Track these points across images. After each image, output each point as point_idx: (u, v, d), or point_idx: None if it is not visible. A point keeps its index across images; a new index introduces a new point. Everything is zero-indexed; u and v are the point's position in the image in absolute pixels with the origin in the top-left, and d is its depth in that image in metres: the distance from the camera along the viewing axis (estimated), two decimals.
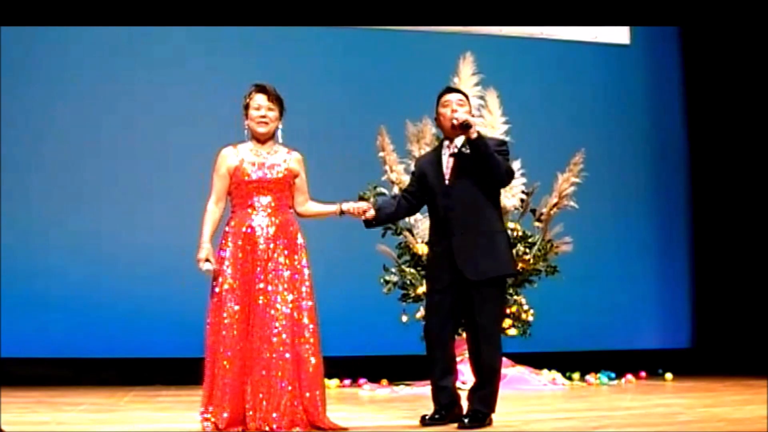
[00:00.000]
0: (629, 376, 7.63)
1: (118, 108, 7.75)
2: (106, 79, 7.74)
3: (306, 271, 4.25)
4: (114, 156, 7.71)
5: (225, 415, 4.08)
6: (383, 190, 6.98)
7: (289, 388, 4.10)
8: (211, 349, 4.17)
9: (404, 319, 6.97)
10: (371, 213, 4.48)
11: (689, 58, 9.13)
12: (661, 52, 9.18)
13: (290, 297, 4.17)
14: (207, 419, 4.12)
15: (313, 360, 4.22)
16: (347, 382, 7.33)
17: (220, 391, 4.11)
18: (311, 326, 4.25)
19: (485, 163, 4.33)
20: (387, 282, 7.09)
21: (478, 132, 4.34)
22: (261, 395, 4.07)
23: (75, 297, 7.37)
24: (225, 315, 4.13)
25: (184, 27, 7.60)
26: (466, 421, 4.34)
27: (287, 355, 4.12)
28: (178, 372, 7.44)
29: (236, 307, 4.13)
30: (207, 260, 4.16)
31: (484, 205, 4.40)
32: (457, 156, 4.41)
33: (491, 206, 4.44)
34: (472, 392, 4.43)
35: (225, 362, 4.10)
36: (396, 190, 7.05)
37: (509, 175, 4.47)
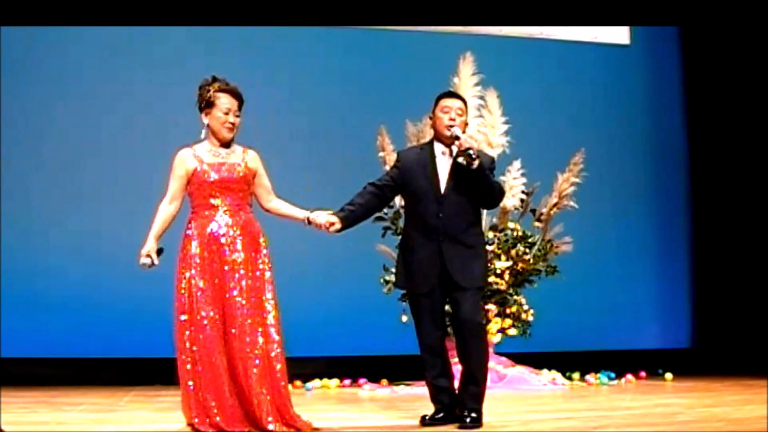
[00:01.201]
0: (629, 376, 7.63)
1: (118, 108, 7.75)
2: (106, 79, 7.74)
3: (267, 273, 4.23)
4: (114, 156, 7.71)
5: (218, 419, 4.07)
6: None
7: (264, 391, 4.09)
8: (189, 350, 4.18)
9: (404, 319, 6.95)
10: (336, 226, 4.41)
11: (689, 58, 9.12)
12: (661, 52, 9.17)
13: (253, 300, 4.15)
14: (197, 425, 4.10)
15: (278, 365, 4.17)
16: (347, 382, 7.33)
17: (210, 393, 4.08)
18: (273, 330, 4.20)
19: (482, 189, 4.41)
20: (387, 282, 7.09)
21: (480, 162, 4.32)
22: (255, 400, 4.07)
23: (75, 297, 7.36)
24: (201, 317, 4.13)
25: (184, 27, 7.59)
26: (467, 421, 4.34)
27: (257, 361, 4.11)
28: (178, 372, 7.44)
29: (212, 313, 4.12)
30: (148, 255, 4.25)
31: (473, 219, 4.49)
32: (454, 166, 4.41)
33: (478, 220, 4.55)
34: (463, 390, 4.44)
35: (213, 360, 4.10)
36: None
37: (502, 197, 4.61)
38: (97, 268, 7.47)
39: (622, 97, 8.94)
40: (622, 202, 8.74)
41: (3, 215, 7.34)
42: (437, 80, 6.96)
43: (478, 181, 4.36)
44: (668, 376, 7.79)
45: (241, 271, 4.16)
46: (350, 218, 4.49)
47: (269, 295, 4.21)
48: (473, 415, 4.36)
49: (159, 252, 4.26)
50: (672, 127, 9.14)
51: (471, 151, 4.27)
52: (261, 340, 4.13)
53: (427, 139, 4.87)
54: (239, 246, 4.18)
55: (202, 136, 4.31)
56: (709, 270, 8.81)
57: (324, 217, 4.37)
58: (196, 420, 4.10)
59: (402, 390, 6.77)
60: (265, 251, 4.25)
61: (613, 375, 7.59)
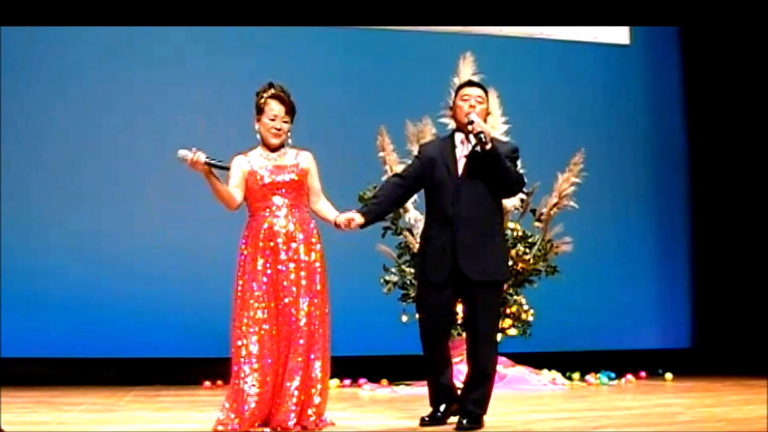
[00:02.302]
0: (629, 376, 7.63)
1: (118, 108, 7.75)
2: (106, 79, 7.74)
3: (318, 270, 4.27)
4: (114, 156, 7.71)
5: (247, 414, 4.09)
6: None
7: (296, 392, 4.12)
8: (239, 353, 4.16)
9: (404, 319, 6.97)
10: (359, 220, 4.41)
11: (689, 58, 9.12)
12: (661, 52, 9.17)
13: (306, 300, 4.19)
14: (227, 422, 4.10)
15: (318, 364, 4.20)
16: (347, 382, 7.34)
17: (248, 394, 4.10)
18: (320, 330, 4.23)
19: (497, 174, 4.33)
20: (387, 282, 7.09)
21: (493, 143, 4.29)
22: (293, 397, 4.11)
23: (75, 297, 7.37)
24: (251, 321, 4.14)
25: (184, 27, 7.59)
26: (464, 422, 4.33)
27: (300, 359, 4.14)
28: (178, 372, 7.45)
29: (263, 315, 4.15)
30: (193, 152, 4.10)
31: (491, 207, 4.40)
32: (471, 153, 4.39)
33: (497, 209, 4.44)
34: (467, 392, 4.41)
35: (256, 365, 4.11)
36: None
37: (519, 186, 4.50)
38: (97, 268, 7.48)
39: (622, 97, 8.94)
40: (622, 202, 8.74)
41: (3, 215, 7.34)
42: (437, 80, 6.97)
43: (491, 165, 4.30)
44: (668, 376, 7.80)
45: (297, 269, 4.20)
46: (372, 212, 4.50)
47: (318, 297, 4.24)
48: (472, 416, 4.34)
49: (211, 164, 4.11)
50: (672, 127, 9.14)
51: (483, 135, 4.24)
52: (317, 336, 4.18)
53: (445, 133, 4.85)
54: (295, 244, 4.22)
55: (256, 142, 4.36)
56: (709, 270, 8.81)
57: (342, 217, 4.39)
58: (234, 418, 4.09)
59: (402, 390, 6.77)
60: (318, 247, 4.30)
61: (613, 375, 7.59)
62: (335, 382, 7.24)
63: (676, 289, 8.97)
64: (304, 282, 4.21)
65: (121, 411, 5.31)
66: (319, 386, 4.22)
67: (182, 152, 4.14)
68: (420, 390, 6.50)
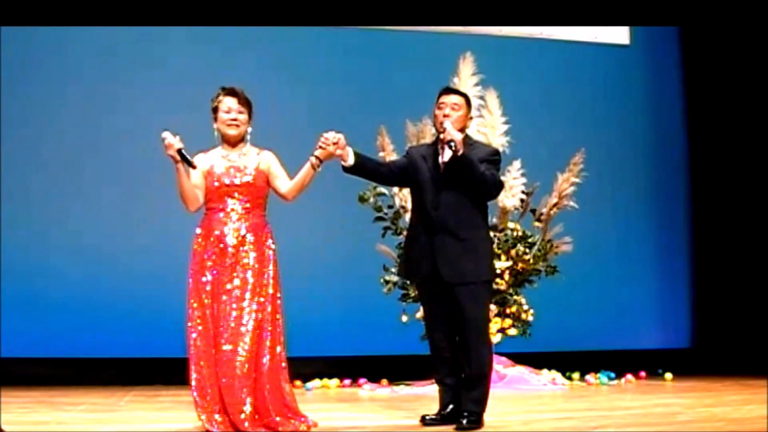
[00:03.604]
0: (629, 376, 7.63)
1: (118, 108, 7.75)
2: (107, 79, 7.74)
3: (271, 278, 4.22)
4: (114, 156, 7.71)
5: (217, 416, 4.08)
6: (383, 190, 6.99)
7: (244, 393, 4.08)
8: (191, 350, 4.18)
9: (404, 319, 6.98)
10: (344, 143, 4.40)
11: (689, 58, 9.12)
12: (661, 52, 9.17)
13: (254, 304, 4.15)
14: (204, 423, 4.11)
15: (266, 361, 4.17)
16: (347, 382, 7.33)
17: (207, 392, 4.10)
18: (269, 335, 4.19)
19: (471, 179, 4.37)
20: (387, 282, 7.09)
21: (464, 150, 4.32)
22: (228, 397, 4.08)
23: (75, 297, 7.37)
24: (198, 316, 4.15)
25: (184, 27, 7.59)
26: (464, 422, 4.33)
27: (241, 359, 4.09)
28: (178, 372, 7.41)
29: (207, 311, 4.15)
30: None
31: (470, 211, 4.44)
32: (450, 160, 4.42)
33: (477, 212, 4.48)
34: (464, 392, 4.41)
35: (202, 363, 4.12)
36: (395, 190, 7.05)
37: (497, 188, 4.50)
38: (96, 268, 7.48)
39: (622, 97, 8.94)
40: (622, 202, 8.74)
41: (3, 215, 7.33)
42: (437, 80, 6.91)
43: (464, 171, 4.34)
44: (668, 376, 7.79)
45: (245, 272, 4.16)
46: (360, 158, 4.50)
47: (271, 293, 4.21)
48: (471, 417, 4.34)
49: (182, 155, 4.16)
50: (672, 127, 9.14)
51: (452, 143, 4.29)
52: (268, 339, 4.15)
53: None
54: (247, 247, 4.19)
55: (216, 142, 4.37)
56: (709, 270, 8.81)
57: (327, 136, 4.35)
58: (203, 417, 4.09)
59: (402, 390, 6.77)
60: (270, 253, 4.26)
61: (613, 375, 7.59)
62: (335, 382, 7.24)
63: (676, 289, 8.96)
64: (249, 285, 4.15)
65: (121, 411, 5.31)
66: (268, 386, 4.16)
67: (165, 133, 4.19)
68: (420, 390, 6.51)
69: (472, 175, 4.36)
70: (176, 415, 5.01)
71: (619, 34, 8.96)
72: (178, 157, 4.16)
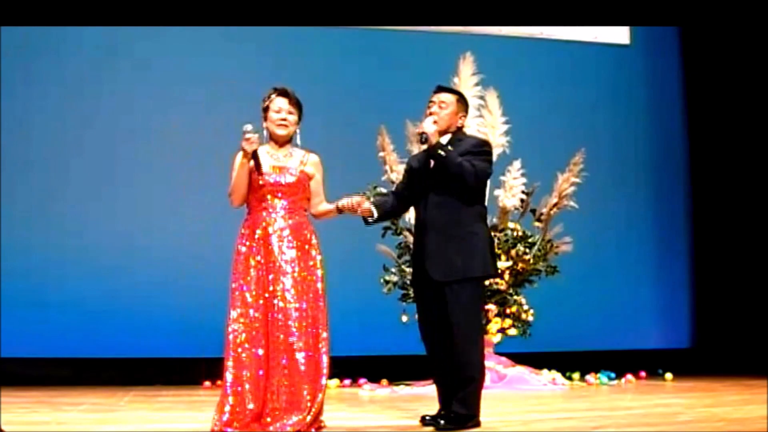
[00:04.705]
0: (629, 376, 7.63)
1: (119, 108, 7.75)
2: (108, 80, 7.74)
3: (319, 273, 4.27)
4: (114, 156, 7.71)
5: (248, 410, 4.07)
6: (383, 190, 6.98)
7: (305, 393, 4.09)
8: (232, 350, 4.14)
9: (404, 319, 6.97)
10: (367, 206, 4.45)
11: (689, 58, 9.13)
12: (661, 52, 9.17)
13: (302, 303, 4.17)
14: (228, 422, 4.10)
15: (324, 360, 4.18)
16: (347, 382, 7.34)
17: (242, 389, 4.09)
18: (322, 332, 4.21)
19: (448, 173, 4.33)
20: (387, 282, 7.09)
21: (438, 143, 4.31)
22: (281, 398, 4.07)
23: (75, 297, 7.36)
24: (242, 318, 4.14)
25: (184, 27, 7.59)
26: (441, 422, 4.31)
27: (302, 360, 4.10)
28: (178, 372, 7.45)
29: (256, 313, 4.14)
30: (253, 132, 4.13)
31: (458, 209, 4.37)
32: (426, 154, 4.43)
33: (467, 209, 4.39)
34: (453, 392, 4.34)
35: (246, 361, 4.11)
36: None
37: (476, 177, 4.34)
38: (96, 268, 7.47)
39: (622, 97, 8.94)
40: (622, 202, 8.75)
41: (3, 215, 7.33)
42: (437, 80, 6.85)
43: (439, 163, 4.32)
44: (668, 376, 7.80)
45: (290, 271, 4.18)
46: (379, 209, 4.53)
47: (315, 300, 4.23)
48: (451, 417, 4.29)
49: (255, 155, 4.14)
50: (672, 127, 9.14)
51: (423, 135, 4.31)
52: (310, 338, 4.15)
53: None
54: (289, 247, 4.20)
55: (264, 141, 4.35)
56: (709, 270, 8.82)
57: (350, 200, 4.40)
58: (227, 418, 4.07)
59: (402, 390, 6.77)
60: (314, 253, 4.28)
61: (613, 375, 7.59)
62: (335, 382, 7.24)
63: (676, 289, 8.97)
64: (293, 284, 4.17)
65: (121, 411, 5.31)
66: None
67: (248, 126, 4.15)
68: (420, 390, 6.51)
69: (448, 167, 4.32)
70: (176, 415, 5.01)
71: (619, 34, 8.96)
72: (250, 156, 4.15)
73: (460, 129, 4.52)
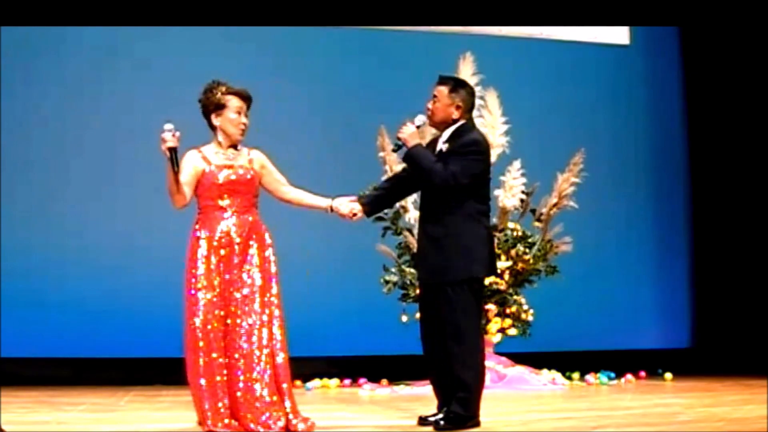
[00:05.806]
0: (629, 376, 7.63)
1: (119, 108, 7.74)
2: (108, 80, 7.73)
3: (273, 269, 4.26)
4: (114, 156, 7.70)
5: (226, 421, 4.09)
6: None
7: (266, 392, 4.11)
8: (200, 351, 4.14)
9: (404, 319, 6.97)
10: (359, 216, 4.44)
11: (689, 58, 9.12)
12: (661, 52, 9.17)
13: (261, 301, 4.17)
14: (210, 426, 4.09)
15: (280, 356, 4.19)
16: (347, 382, 7.33)
17: (219, 393, 4.09)
18: (278, 332, 4.22)
19: (418, 176, 4.32)
20: (387, 282, 7.09)
21: (411, 147, 4.29)
22: (246, 398, 4.10)
23: (75, 297, 7.36)
24: (210, 317, 4.14)
25: (184, 27, 7.59)
26: (441, 422, 4.30)
27: (263, 358, 4.12)
28: (178, 372, 7.41)
29: (220, 312, 4.15)
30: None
31: (444, 208, 4.30)
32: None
33: (456, 208, 4.28)
34: (452, 392, 4.32)
35: (219, 361, 4.12)
36: None
37: (441, 179, 4.22)
38: (97, 269, 7.47)
39: (622, 97, 8.94)
40: (622, 202, 8.74)
41: (3, 215, 7.33)
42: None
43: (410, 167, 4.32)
44: (668, 376, 7.80)
45: (253, 271, 4.18)
46: (374, 203, 4.52)
47: (275, 292, 4.23)
48: (450, 416, 4.29)
49: (172, 153, 4.14)
50: (672, 127, 9.14)
51: (398, 141, 4.32)
52: (265, 338, 4.15)
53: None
54: (250, 246, 4.20)
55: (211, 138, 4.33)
56: (709, 270, 8.81)
57: (347, 207, 4.40)
58: (210, 418, 4.08)
59: (402, 390, 6.77)
60: (271, 251, 4.28)
61: (613, 375, 7.59)
62: (335, 381, 7.25)
63: (676, 289, 8.96)
64: (258, 284, 4.18)
65: (121, 411, 5.31)
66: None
67: (168, 126, 4.15)
68: (420, 390, 6.51)
69: (416, 172, 4.31)
70: (176, 415, 5.01)
71: (619, 34, 8.96)
72: (168, 154, 4.12)
73: (465, 123, 4.41)
